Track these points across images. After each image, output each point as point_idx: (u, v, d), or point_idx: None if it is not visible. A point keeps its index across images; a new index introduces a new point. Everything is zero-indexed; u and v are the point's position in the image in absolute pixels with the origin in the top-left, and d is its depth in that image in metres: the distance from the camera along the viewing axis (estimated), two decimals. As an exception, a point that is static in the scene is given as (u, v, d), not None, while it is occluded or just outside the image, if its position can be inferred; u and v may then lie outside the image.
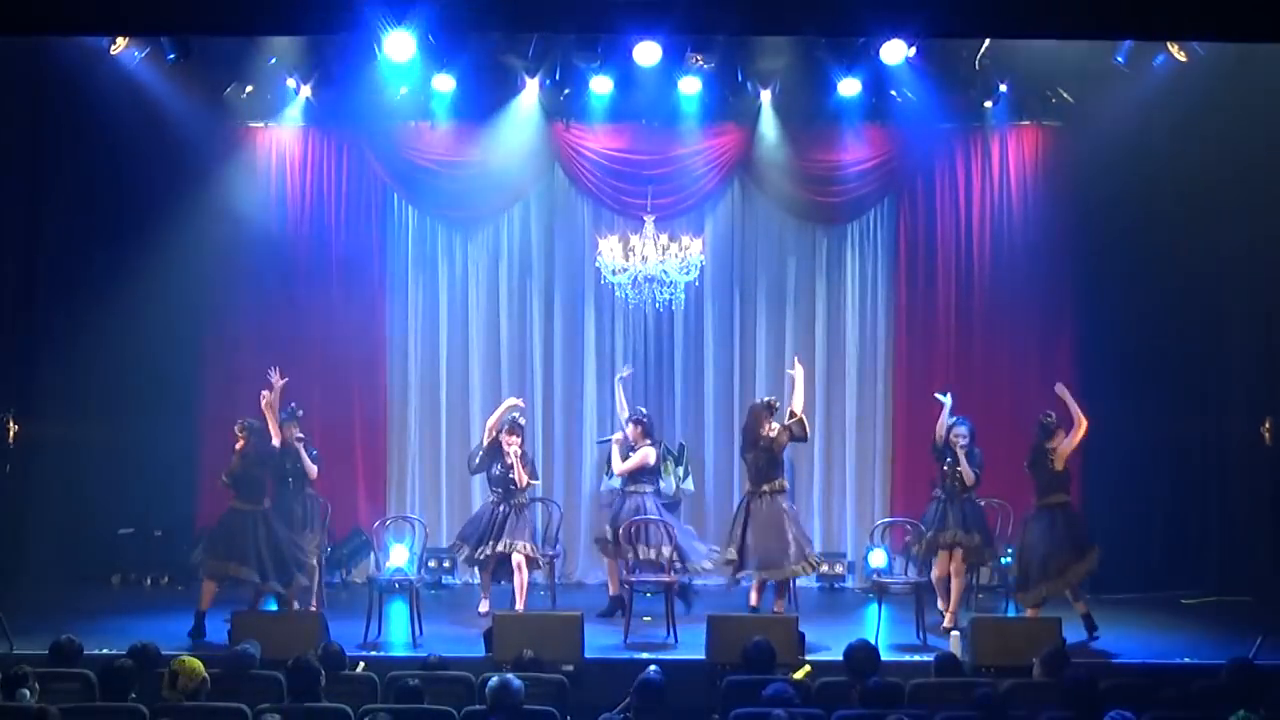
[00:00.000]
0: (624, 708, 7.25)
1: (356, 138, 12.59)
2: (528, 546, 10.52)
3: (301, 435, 10.60)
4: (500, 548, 10.46)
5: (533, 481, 10.81)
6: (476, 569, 10.92)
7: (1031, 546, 10.20)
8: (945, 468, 10.45)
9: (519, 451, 10.58)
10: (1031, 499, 10.41)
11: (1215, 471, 12.24)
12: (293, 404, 10.71)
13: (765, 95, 12.27)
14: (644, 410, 11.25)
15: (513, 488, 10.57)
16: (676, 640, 9.91)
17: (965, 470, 10.33)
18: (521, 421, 10.82)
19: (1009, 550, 11.22)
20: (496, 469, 10.63)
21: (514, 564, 10.48)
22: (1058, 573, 10.09)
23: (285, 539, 10.26)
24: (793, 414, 10.57)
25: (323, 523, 10.79)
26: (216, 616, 9.86)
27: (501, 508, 10.58)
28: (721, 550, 10.73)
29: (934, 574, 10.53)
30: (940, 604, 10.50)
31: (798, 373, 10.84)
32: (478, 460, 10.91)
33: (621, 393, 11.43)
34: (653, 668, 7.94)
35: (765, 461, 10.48)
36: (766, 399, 10.85)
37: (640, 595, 10.70)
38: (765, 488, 10.44)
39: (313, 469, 10.58)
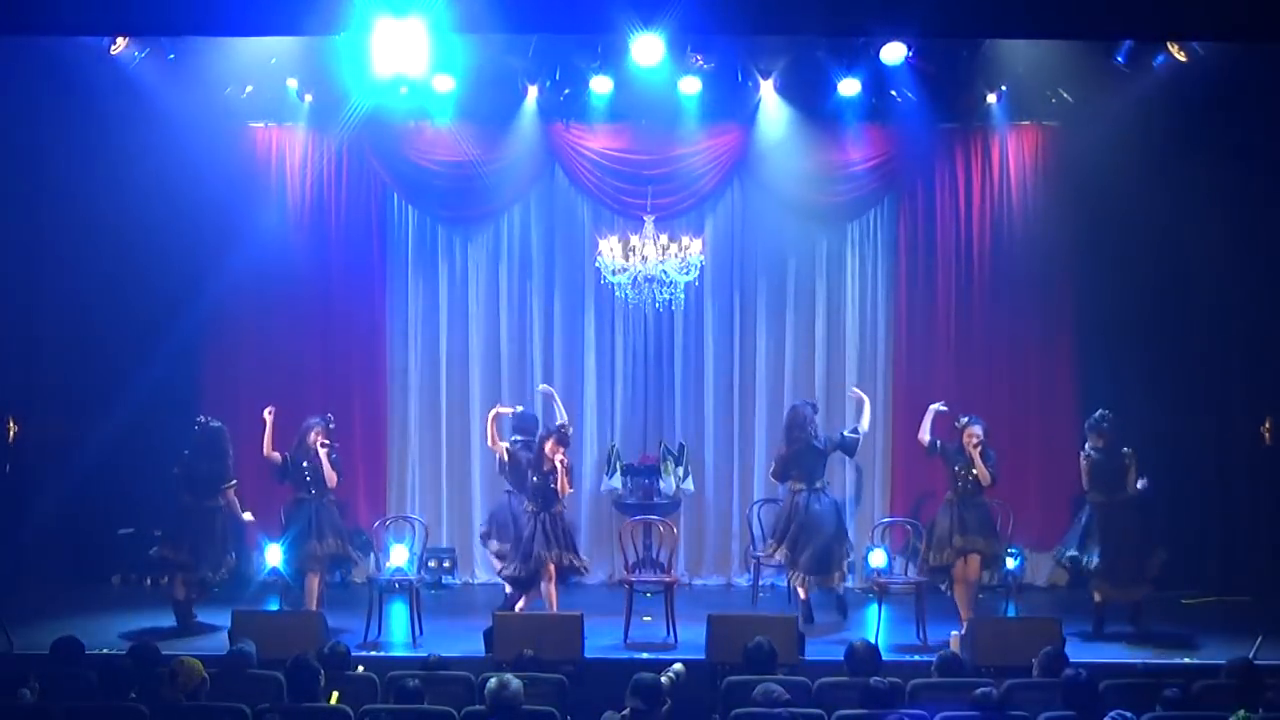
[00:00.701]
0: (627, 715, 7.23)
1: (356, 138, 12.57)
2: (571, 556, 10.21)
3: (326, 441, 10.44)
4: (553, 558, 10.06)
5: (570, 490, 10.48)
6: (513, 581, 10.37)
7: (1130, 542, 10.29)
8: (959, 470, 10.29)
9: (564, 461, 10.21)
10: (1076, 494, 10.68)
11: (1215, 471, 12.23)
12: (329, 414, 10.63)
13: (765, 95, 12.29)
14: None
15: (553, 497, 10.20)
16: (676, 640, 9.91)
17: (982, 471, 10.21)
18: (569, 431, 10.51)
19: (1012, 551, 11.22)
20: (535, 479, 10.26)
21: (548, 574, 10.10)
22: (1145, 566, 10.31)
23: (217, 539, 10.41)
24: (856, 430, 10.87)
25: (347, 530, 10.74)
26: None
27: (541, 517, 10.17)
28: (771, 549, 10.85)
29: (956, 586, 10.23)
30: (963, 613, 10.21)
31: (865, 400, 11.04)
32: (509, 472, 10.80)
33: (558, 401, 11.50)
34: (678, 666, 7.95)
35: (813, 461, 10.67)
36: (810, 400, 11.19)
37: (640, 595, 10.68)
38: (818, 484, 10.66)
39: (332, 476, 10.41)
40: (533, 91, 12.24)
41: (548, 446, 10.23)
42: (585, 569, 10.56)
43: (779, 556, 10.74)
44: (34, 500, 11.61)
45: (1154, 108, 11.41)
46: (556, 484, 10.14)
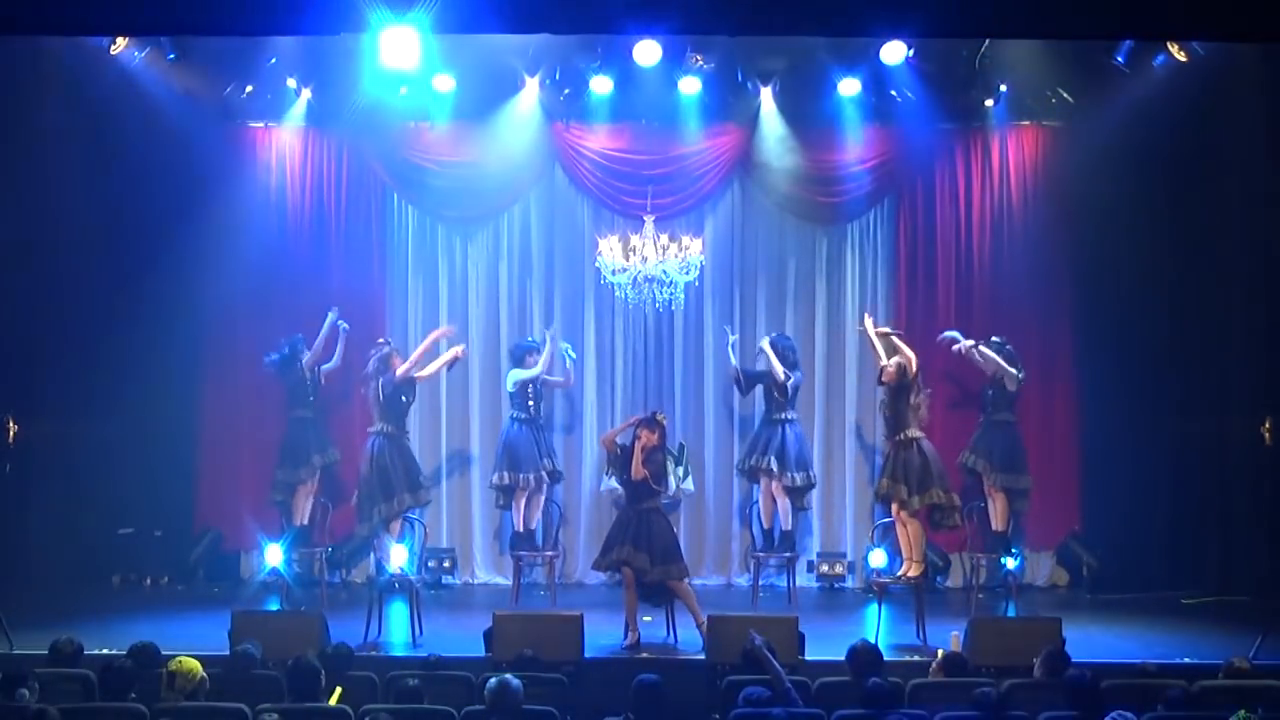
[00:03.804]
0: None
1: (357, 138, 12.59)
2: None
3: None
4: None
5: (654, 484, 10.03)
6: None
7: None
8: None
9: (644, 447, 9.91)
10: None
11: (1215, 471, 12.23)
12: (380, 339, 11.27)
13: (765, 95, 12.30)
14: None
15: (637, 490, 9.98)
16: (677, 640, 9.92)
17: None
18: (661, 419, 10.24)
19: (1015, 551, 11.22)
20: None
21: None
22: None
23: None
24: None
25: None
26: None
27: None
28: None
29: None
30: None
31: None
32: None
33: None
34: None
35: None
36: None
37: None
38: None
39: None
40: (533, 91, 12.25)
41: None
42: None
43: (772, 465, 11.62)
44: (34, 500, 11.61)
45: (1154, 108, 11.41)
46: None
